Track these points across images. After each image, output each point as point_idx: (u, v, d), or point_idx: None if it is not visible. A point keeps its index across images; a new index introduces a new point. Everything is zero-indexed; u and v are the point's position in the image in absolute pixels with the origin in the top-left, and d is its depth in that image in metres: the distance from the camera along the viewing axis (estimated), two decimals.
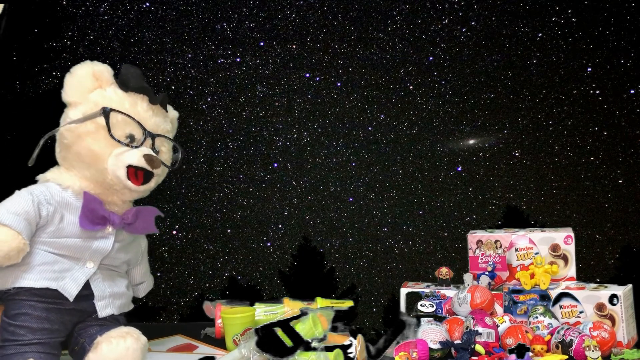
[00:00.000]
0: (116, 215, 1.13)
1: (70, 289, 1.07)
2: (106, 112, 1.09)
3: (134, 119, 1.12)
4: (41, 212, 1.06)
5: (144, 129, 1.13)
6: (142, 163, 1.09)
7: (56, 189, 1.10)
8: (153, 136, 1.14)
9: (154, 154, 1.12)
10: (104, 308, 1.12)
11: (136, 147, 1.12)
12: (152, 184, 1.14)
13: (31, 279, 1.05)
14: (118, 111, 1.10)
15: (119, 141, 1.10)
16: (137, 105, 1.13)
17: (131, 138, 1.12)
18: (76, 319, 1.10)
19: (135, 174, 1.10)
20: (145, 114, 1.14)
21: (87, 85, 1.13)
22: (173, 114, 1.27)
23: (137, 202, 1.24)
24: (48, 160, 1.17)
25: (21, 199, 1.05)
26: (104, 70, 1.14)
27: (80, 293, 1.09)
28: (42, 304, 1.05)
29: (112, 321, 1.14)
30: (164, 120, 1.19)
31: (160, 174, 1.16)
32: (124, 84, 1.13)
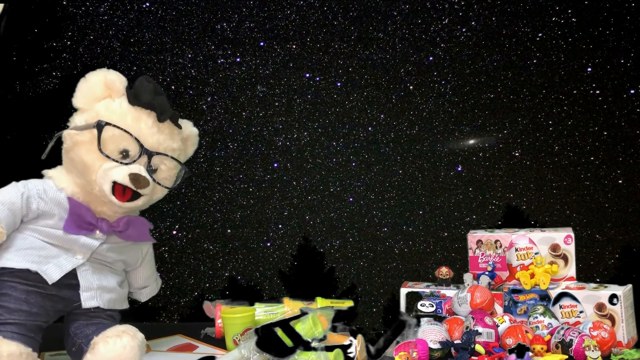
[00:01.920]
0: (105, 222, 1.14)
1: (52, 274, 1.08)
2: (100, 126, 1.09)
3: (130, 134, 1.10)
4: (30, 206, 1.09)
5: (140, 145, 1.11)
6: (126, 181, 1.08)
7: (52, 188, 1.12)
8: (150, 153, 1.12)
9: (143, 174, 1.10)
10: (89, 299, 1.13)
11: (128, 163, 1.10)
12: (139, 202, 1.13)
13: (14, 261, 1.07)
14: (114, 125, 1.09)
15: (107, 156, 1.09)
16: (141, 121, 1.12)
17: (125, 153, 1.11)
18: (60, 306, 1.11)
19: (123, 190, 1.09)
20: (149, 130, 1.12)
21: (97, 93, 1.13)
22: (190, 130, 1.24)
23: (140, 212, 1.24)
24: (57, 157, 1.18)
25: (11, 190, 1.09)
26: (116, 80, 1.13)
27: (65, 281, 1.09)
28: (22, 286, 1.06)
29: (108, 318, 1.15)
30: (170, 138, 1.16)
31: (148, 193, 1.13)
32: (135, 97, 1.12)
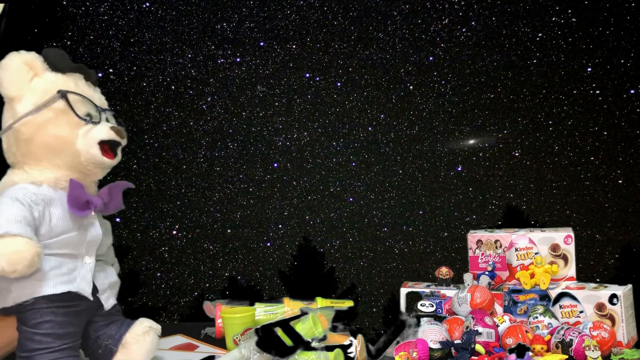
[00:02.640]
0: (96, 198, 1.12)
1: (86, 288, 1.07)
2: (64, 94, 1.07)
3: (86, 97, 1.11)
4: (34, 215, 1.03)
5: (95, 105, 1.12)
6: (112, 135, 1.09)
7: (33, 188, 1.06)
8: (104, 111, 1.14)
9: (117, 126, 1.12)
10: (107, 300, 1.13)
11: (95, 123, 1.10)
12: (119, 156, 1.14)
13: (49, 286, 1.03)
14: (73, 92, 1.09)
15: (84, 120, 1.08)
16: (80, 85, 1.12)
17: (89, 117, 1.10)
18: (89, 315, 1.10)
19: (107, 149, 1.09)
20: (89, 91, 1.13)
21: (23, 76, 1.09)
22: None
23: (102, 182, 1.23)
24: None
25: (13, 207, 1.01)
26: (34, 58, 1.10)
27: None
28: (62, 309, 1.04)
29: (117, 313, 1.15)
30: (101, 94, 1.18)
31: (125, 144, 1.15)
32: (57, 67, 1.10)
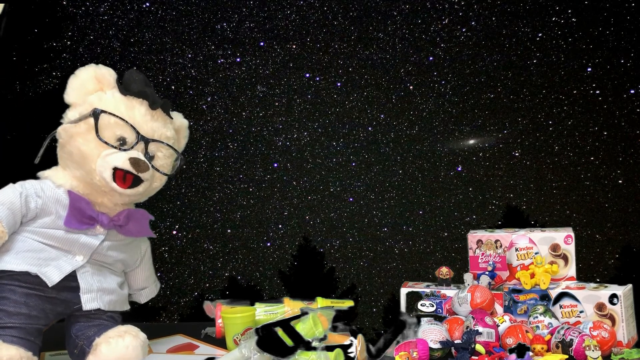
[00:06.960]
0: (105, 216, 1.14)
1: (52, 276, 1.08)
2: (96, 114, 1.10)
3: (126, 121, 1.11)
4: (29, 205, 1.08)
5: (137, 132, 1.12)
6: (126, 166, 1.09)
7: (49, 186, 1.12)
8: (147, 140, 1.13)
9: (142, 158, 1.11)
10: (89, 301, 1.12)
11: (126, 150, 1.11)
12: (140, 189, 1.13)
13: (13, 263, 1.06)
14: (109, 113, 1.11)
15: (106, 142, 1.10)
16: (134, 109, 1.13)
17: (122, 141, 1.12)
18: (60, 309, 1.10)
19: (124, 177, 1.09)
20: (142, 118, 1.14)
21: (89, 87, 1.14)
22: (180, 122, 1.26)
23: (135, 206, 1.24)
24: (53, 159, 1.18)
25: (9, 190, 1.09)
26: (106, 74, 1.15)
27: (65, 284, 1.09)
28: (21, 289, 1.06)
29: (109, 320, 1.15)
30: (163, 126, 1.18)
31: (148, 178, 1.14)
32: (125, 88, 1.14)
